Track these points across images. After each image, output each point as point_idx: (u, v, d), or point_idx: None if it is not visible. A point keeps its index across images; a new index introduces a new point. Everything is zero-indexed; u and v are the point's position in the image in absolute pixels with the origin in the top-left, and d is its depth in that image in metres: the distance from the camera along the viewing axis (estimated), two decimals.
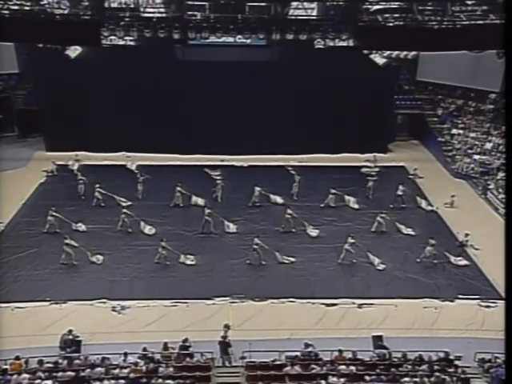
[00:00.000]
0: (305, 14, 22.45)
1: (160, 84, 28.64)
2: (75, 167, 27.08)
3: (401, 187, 24.59)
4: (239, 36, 22.52)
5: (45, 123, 30.28)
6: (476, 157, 28.86)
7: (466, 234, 21.48)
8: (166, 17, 22.19)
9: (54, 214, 21.74)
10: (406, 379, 13.20)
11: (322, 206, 24.23)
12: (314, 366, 13.66)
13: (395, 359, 14.19)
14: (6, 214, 22.87)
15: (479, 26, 19.35)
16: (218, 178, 25.46)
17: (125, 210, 22.20)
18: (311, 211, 23.80)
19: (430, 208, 24.30)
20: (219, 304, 17.75)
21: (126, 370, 13.26)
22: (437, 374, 13.33)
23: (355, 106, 29.53)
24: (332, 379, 13.18)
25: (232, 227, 22.35)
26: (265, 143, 29.17)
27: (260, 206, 24.20)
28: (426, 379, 13.22)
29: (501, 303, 17.23)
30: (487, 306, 17.86)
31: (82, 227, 22.03)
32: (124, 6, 21.28)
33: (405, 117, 33.78)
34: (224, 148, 29.08)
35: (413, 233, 22.45)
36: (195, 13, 21.94)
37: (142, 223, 22.20)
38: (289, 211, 22.48)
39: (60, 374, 13.11)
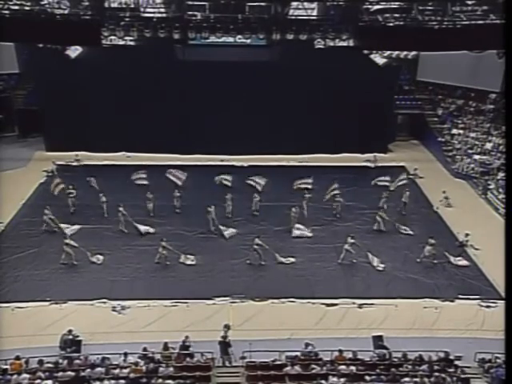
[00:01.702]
0: (305, 13, 22.46)
1: (160, 84, 28.67)
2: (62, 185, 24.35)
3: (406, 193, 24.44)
4: (239, 36, 22.52)
5: (45, 123, 30.31)
6: (476, 157, 28.88)
7: (466, 234, 21.48)
8: (166, 17, 22.20)
9: (48, 214, 21.79)
10: (406, 379, 13.19)
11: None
12: (314, 366, 13.65)
13: (395, 359, 14.18)
14: (6, 213, 22.88)
15: (479, 26, 19.36)
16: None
17: (120, 209, 22.19)
18: (311, 211, 23.76)
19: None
20: (219, 304, 17.75)
21: (126, 370, 13.26)
22: (437, 374, 13.32)
23: (355, 106, 29.52)
24: (332, 379, 13.18)
25: (229, 231, 22.16)
26: (265, 143, 29.20)
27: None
28: (426, 379, 13.21)
29: (501, 303, 17.22)
30: (487, 306, 17.86)
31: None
32: (124, 6, 21.29)
33: (405, 117, 33.81)
34: (224, 148, 29.09)
35: (411, 232, 22.41)
36: (195, 13, 21.94)
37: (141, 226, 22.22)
38: (294, 210, 22.55)
39: (60, 373, 13.10)
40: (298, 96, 29.15)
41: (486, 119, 31.05)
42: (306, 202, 23.36)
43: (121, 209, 22.16)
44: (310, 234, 22.23)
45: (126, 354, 13.78)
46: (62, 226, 21.73)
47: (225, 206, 23.25)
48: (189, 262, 20.07)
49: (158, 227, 22.33)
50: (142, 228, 22.11)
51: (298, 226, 22.33)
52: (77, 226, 22.00)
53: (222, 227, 22.20)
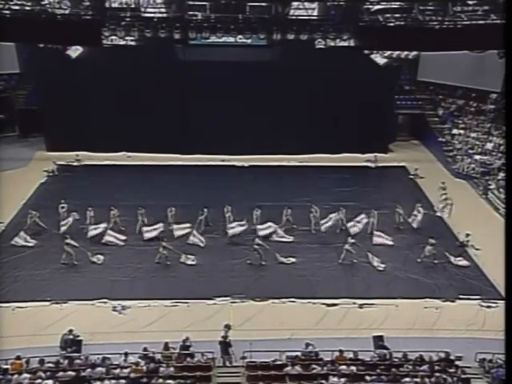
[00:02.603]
0: (305, 13, 22.42)
1: (161, 84, 28.70)
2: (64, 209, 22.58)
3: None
4: (240, 36, 22.55)
5: (45, 123, 30.35)
6: (477, 157, 28.89)
7: (467, 235, 21.46)
8: (167, 17, 22.19)
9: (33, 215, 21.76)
10: (407, 379, 13.17)
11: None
12: (314, 366, 13.64)
13: (396, 359, 14.16)
14: (6, 213, 22.88)
15: (480, 26, 19.36)
16: None
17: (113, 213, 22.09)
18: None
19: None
20: (220, 304, 17.74)
21: (126, 370, 13.26)
22: (437, 374, 13.31)
23: (356, 106, 29.54)
24: (333, 379, 13.17)
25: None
26: (265, 143, 29.22)
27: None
28: (426, 379, 13.20)
29: (502, 303, 17.17)
30: (488, 306, 17.84)
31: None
32: (125, 5, 21.25)
33: (405, 117, 33.83)
34: (224, 148, 29.12)
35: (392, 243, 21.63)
36: (196, 13, 21.92)
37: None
38: (285, 212, 22.51)
39: (61, 373, 13.11)
40: (298, 96, 29.17)
41: (487, 119, 31.05)
42: (313, 216, 22.73)
43: (113, 212, 22.05)
44: (290, 239, 21.71)
45: (126, 354, 13.78)
46: (21, 234, 21.06)
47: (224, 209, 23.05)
48: (189, 262, 20.07)
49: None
50: (106, 237, 21.22)
51: (278, 231, 21.81)
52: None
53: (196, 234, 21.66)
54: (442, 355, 14.21)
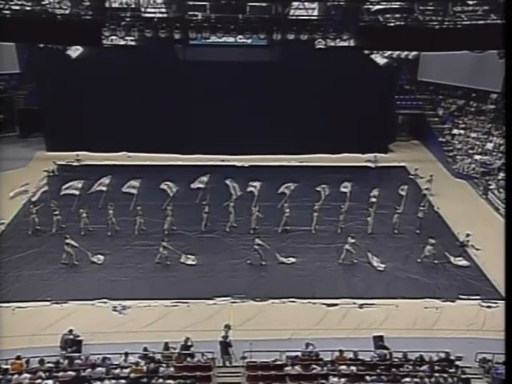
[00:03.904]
0: (306, 14, 22.42)
1: (161, 84, 28.70)
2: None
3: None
4: (240, 36, 22.51)
5: (46, 123, 30.36)
6: (477, 157, 28.91)
7: (467, 235, 21.47)
8: (167, 17, 22.22)
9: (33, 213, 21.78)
10: (407, 379, 13.19)
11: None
12: (314, 366, 13.65)
13: (396, 359, 14.17)
14: (6, 213, 22.89)
15: (480, 26, 19.37)
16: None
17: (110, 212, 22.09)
18: (312, 211, 23.72)
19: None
20: (220, 304, 17.75)
21: (126, 370, 13.27)
22: (437, 374, 13.32)
23: (356, 106, 29.54)
24: (333, 379, 13.18)
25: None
26: (265, 143, 29.21)
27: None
28: (426, 379, 13.21)
29: (502, 303, 17.19)
30: (488, 307, 17.85)
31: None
32: (125, 6, 21.28)
33: (406, 117, 33.86)
34: (224, 148, 29.11)
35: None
36: (196, 13, 21.93)
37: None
38: (286, 209, 22.57)
39: (61, 373, 13.11)
40: (298, 96, 29.16)
41: (487, 119, 31.08)
42: (316, 215, 22.69)
43: (110, 212, 21.99)
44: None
45: (126, 354, 13.79)
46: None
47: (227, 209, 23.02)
48: (189, 262, 20.08)
49: (158, 227, 22.27)
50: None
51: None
52: None
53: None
54: (442, 355, 14.22)
